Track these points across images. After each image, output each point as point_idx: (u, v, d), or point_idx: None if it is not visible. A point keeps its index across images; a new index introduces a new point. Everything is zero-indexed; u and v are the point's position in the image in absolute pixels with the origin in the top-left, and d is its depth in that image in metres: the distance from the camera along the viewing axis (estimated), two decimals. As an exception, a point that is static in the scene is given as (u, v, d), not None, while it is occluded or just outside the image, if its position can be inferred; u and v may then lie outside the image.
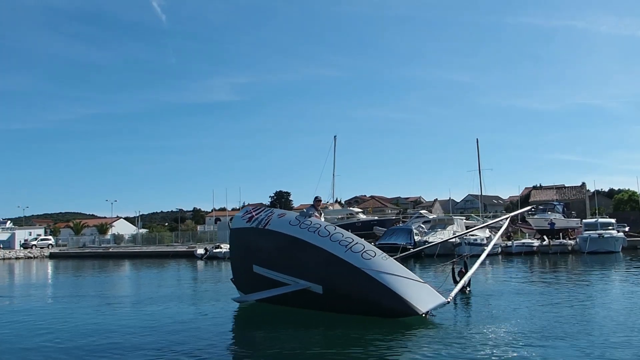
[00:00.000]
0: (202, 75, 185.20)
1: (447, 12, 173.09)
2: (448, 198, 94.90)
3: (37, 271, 43.61)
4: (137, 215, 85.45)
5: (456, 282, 17.67)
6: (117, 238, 74.91)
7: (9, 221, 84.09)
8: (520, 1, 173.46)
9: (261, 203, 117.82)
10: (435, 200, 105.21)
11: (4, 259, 63.24)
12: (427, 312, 12.10)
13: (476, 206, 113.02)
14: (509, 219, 21.72)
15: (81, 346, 11.00)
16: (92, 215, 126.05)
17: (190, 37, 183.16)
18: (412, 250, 28.92)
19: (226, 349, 10.80)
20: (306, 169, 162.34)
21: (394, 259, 13.93)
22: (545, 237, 43.58)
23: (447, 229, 45.04)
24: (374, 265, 12.56)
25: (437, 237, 42.95)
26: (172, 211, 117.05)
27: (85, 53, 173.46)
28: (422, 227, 49.65)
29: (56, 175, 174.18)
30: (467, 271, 18.12)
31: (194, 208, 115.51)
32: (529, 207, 32.05)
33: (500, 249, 42.38)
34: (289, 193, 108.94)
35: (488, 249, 16.89)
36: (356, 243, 13.18)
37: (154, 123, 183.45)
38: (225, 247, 51.94)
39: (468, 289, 17.21)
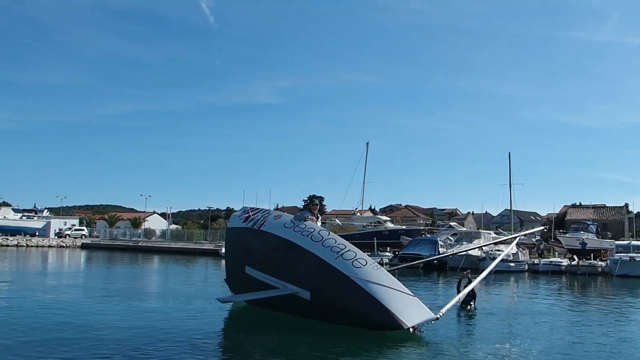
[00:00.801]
0: (244, 77, 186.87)
1: (495, 23, 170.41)
2: (484, 212, 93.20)
3: (63, 260, 44.33)
4: (169, 211, 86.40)
5: (466, 297, 17.14)
6: (148, 232, 75.87)
7: (45, 210, 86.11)
8: (571, 15, 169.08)
9: (295, 206, 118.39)
10: (468, 213, 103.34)
11: (37, 246, 64.72)
12: (415, 327, 11.60)
13: (514, 222, 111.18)
14: (517, 238, 20.97)
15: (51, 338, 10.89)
16: (132, 209, 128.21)
17: (236, 39, 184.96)
18: (419, 261, 28.43)
19: (202, 350, 10.46)
20: (341, 175, 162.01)
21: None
22: (575, 257, 42.09)
23: (474, 242, 43.95)
24: (363, 274, 12.11)
25: (462, 250, 42.03)
26: (208, 209, 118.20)
27: (132, 51, 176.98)
28: (450, 240, 48.74)
29: (98, 168, 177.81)
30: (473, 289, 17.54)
31: (227, 207, 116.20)
32: (540, 228, 31.03)
33: (527, 267, 41.18)
34: (322, 197, 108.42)
35: (491, 267, 16.23)
36: (348, 250, 12.75)
37: (195, 122, 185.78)
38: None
39: (471, 304, 16.56)
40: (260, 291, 13.60)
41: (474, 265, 40.06)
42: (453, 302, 12.96)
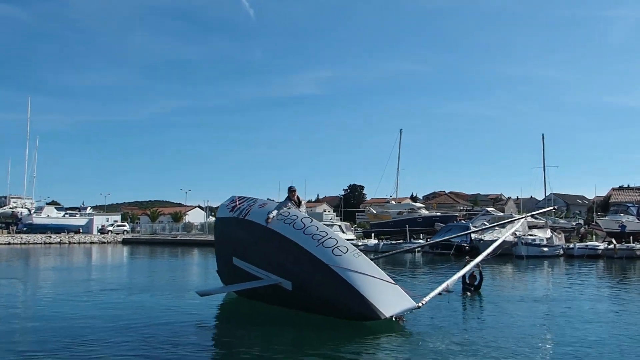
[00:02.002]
0: (286, 70, 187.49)
1: (538, 5, 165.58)
2: (529, 196, 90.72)
3: (97, 255, 45.15)
4: (206, 205, 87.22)
5: (465, 285, 16.47)
6: (187, 226, 76.89)
7: (89, 207, 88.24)
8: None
9: (337, 196, 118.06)
10: (509, 198, 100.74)
11: (79, 243, 66.35)
12: (395, 317, 11.06)
13: (559, 205, 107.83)
14: (524, 219, 20.03)
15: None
16: (179, 204, 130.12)
17: (277, 32, 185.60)
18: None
19: (183, 342, 10.13)
20: (383, 164, 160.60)
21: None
22: (613, 240, 40.41)
23: (507, 227, 42.62)
24: (343, 262, 11.58)
25: (495, 235, 40.85)
26: None
27: (176, 48, 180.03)
28: (486, 225, 47.57)
29: (145, 165, 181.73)
30: (480, 276, 16.86)
31: (267, 199, 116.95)
32: (550, 208, 29.69)
33: (562, 251, 39.79)
34: (362, 186, 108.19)
35: (489, 250, 15.39)
36: (329, 238, 12.21)
37: (238, 116, 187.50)
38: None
39: (469, 291, 15.86)
40: (245, 282, 13.29)
41: (507, 250, 38.95)
42: (437, 290, 12.26)
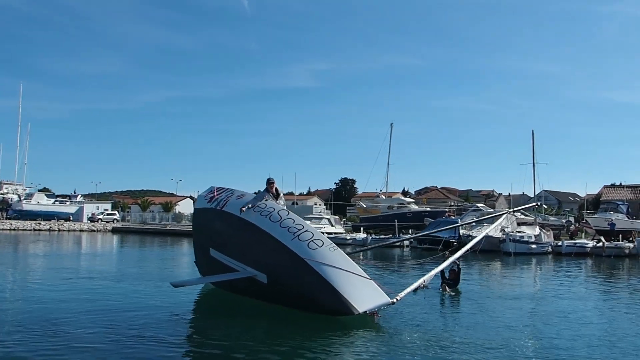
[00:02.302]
0: (281, 61, 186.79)
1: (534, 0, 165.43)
2: (521, 193, 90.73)
3: (83, 243, 44.89)
4: (196, 195, 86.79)
5: (445, 280, 16.36)
6: (177, 216, 76.63)
7: (80, 195, 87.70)
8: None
9: (328, 190, 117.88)
10: (500, 194, 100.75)
11: (68, 230, 65.97)
12: (369, 312, 10.92)
13: (551, 202, 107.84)
14: (506, 215, 19.94)
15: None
16: (171, 193, 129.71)
17: (272, 23, 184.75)
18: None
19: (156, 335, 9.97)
20: (375, 157, 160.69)
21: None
22: (602, 238, 40.44)
23: (495, 223, 42.58)
24: (318, 255, 11.41)
25: (482, 231, 40.81)
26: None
27: (170, 38, 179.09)
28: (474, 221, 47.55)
29: (137, 154, 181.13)
30: (459, 271, 16.76)
31: (258, 191, 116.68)
32: (533, 204, 29.69)
33: (550, 249, 39.79)
34: (354, 180, 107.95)
35: (468, 246, 15.29)
36: (305, 231, 12.04)
37: (232, 107, 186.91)
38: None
39: (448, 290, 15.75)
40: (221, 274, 13.13)
41: (495, 247, 38.95)
42: (413, 286, 12.15)
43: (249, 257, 12.52)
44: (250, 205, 12.76)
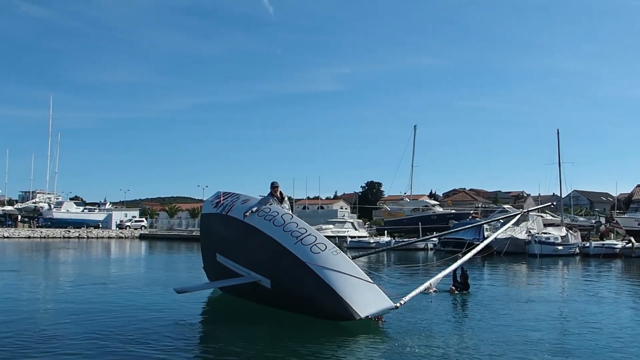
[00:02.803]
0: (306, 65, 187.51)
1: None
2: (551, 193, 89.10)
3: (110, 250, 45.38)
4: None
5: (456, 283, 16.01)
6: (204, 222, 77.09)
7: (108, 203, 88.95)
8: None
9: (355, 192, 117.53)
10: (528, 195, 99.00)
11: (97, 237, 66.95)
12: (373, 317, 10.66)
13: (582, 202, 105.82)
14: (519, 215, 19.49)
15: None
16: (200, 200, 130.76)
17: (296, 28, 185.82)
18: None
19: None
20: (400, 160, 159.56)
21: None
22: (632, 239, 39.35)
23: (520, 225, 41.83)
24: (320, 259, 11.20)
25: (507, 233, 40.13)
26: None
27: (195, 45, 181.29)
28: (501, 222, 46.76)
29: (167, 161, 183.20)
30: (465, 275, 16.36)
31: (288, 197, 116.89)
32: (547, 204, 28.92)
33: (577, 250, 38.88)
34: (380, 183, 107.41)
35: (476, 250, 14.90)
36: (308, 235, 11.84)
37: (257, 112, 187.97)
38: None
39: (456, 292, 15.40)
40: (225, 280, 13.05)
41: (520, 249, 38.24)
42: (418, 290, 11.85)
43: (253, 262, 12.38)
44: (254, 210, 12.62)
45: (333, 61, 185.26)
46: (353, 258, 14.20)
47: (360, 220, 58.17)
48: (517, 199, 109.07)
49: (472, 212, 56.23)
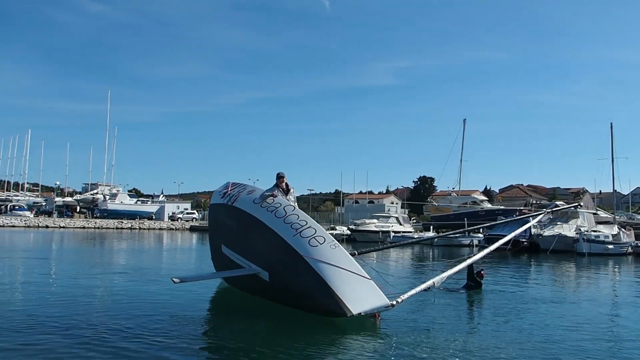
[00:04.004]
0: (362, 59, 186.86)
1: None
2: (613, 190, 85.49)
3: (161, 241, 46.22)
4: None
5: (470, 281, 15.32)
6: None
7: (162, 195, 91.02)
8: None
9: (407, 187, 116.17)
10: (586, 191, 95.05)
11: (148, 229, 68.54)
12: (370, 314, 10.22)
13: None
14: (542, 215, 18.48)
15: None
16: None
17: (352, 22, 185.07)
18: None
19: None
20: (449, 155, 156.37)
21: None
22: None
23: (570, 223, 40.18)
24: (317, 253, 10.79)
25: (555, 230, 38.61)
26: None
27: (252, 40, 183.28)
28: (550, 219, 45.10)
29: (221, 154, 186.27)
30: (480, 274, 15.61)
31: (336, 190, 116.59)
32: (574, 204, 27.36)
33: (630, 249, 36.97)
34: (432, 178, 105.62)
35: (488, 250, 14.20)
36: (308, 227, 11.44)
37: (312, 106, 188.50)
38: (339, 229, 51.39)
39: (461, 290, 14.74)
40: (225, 271, 12.85)
41: (569, 247, 36.73)
42: (419, 288, 11.24)
43: (254, 254, 12.13)
44: (262, 199, 12.36)
45: (389, 55, 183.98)
46: (359, 253, 13.77)
47: (406, 216, 57.26)
48: (577, 195, 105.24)
49: (521, 208, 54.49)
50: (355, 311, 9.97)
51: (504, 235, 37.81)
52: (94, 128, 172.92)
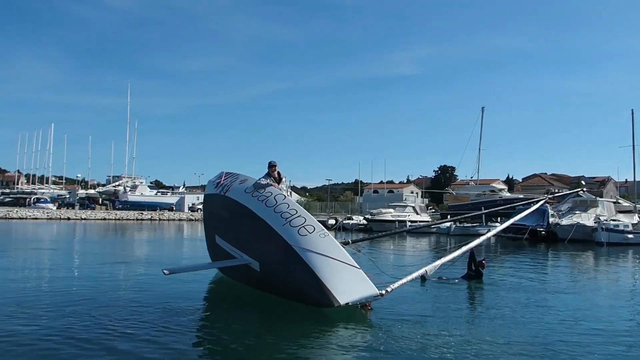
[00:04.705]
0: (384, 49, 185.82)
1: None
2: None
3: (171, 231, 46.47)
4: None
5: (470, 270, 15.00)
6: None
7: (182, 187, 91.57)
8: None
9: (426, 176, 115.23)
10: (609, 180, 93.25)
11: (168, 220, 69.05)
12: (359, 304, 10.01)
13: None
14: (543, 201, 18.10)
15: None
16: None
17: (375, 12, 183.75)
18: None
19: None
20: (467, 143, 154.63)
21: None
22: None
23: (589, 212, 39.35)
24: (306, 242, 10.57)
25: (573, 220, 37.88)
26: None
27: (274, 31, 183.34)
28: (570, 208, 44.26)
29: (243, 146, 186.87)
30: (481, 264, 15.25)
31: (355, 179, 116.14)
32: (575, 190, 26.70)
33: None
34: (453, 168, 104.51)
35: (483, 238, 13.82)
36: (298, 216, 11.22)
37: (335, 97, 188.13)
38: (355, 219, 51.15)
39: (459, 280, 14.40)
40: (216, 262, 12.74)
41: (587, 236, 36.00)
42: (410, 277, 10.97)
43: (245, 244, 11.98)
44: (253, 188, 12.18)
45: (412, 44, 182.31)
46: (353, 242, 13.53)
47: (423, 205, 56.76)
48: (602, 184, 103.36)
49: (541, 197, 53.53)
50: (342, 301, 9.75)
51: (523, 225, 37.49)
52: (116, 122, 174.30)
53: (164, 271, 11.99)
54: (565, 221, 37.96)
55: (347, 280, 10.13)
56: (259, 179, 12.55)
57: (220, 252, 13.19)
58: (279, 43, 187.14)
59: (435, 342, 8.32)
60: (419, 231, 44.99)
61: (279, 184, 12.65)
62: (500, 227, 15.76)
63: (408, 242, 37.03)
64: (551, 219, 38.80)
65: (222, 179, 13.67)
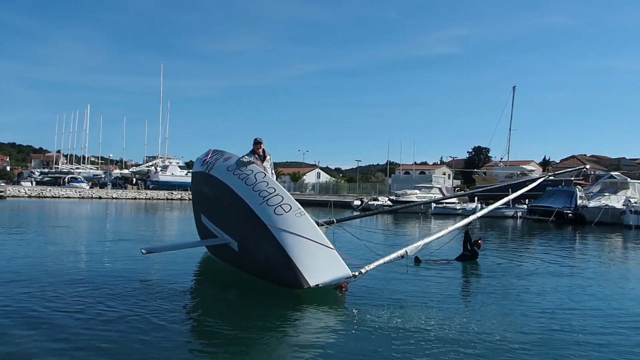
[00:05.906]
0: (420, 29, 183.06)
1: None
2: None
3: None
4: (317, 165, 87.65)
5: (465, 250, 14.43)
6: (300, 186, 77.90)
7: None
8: None
9: (458, 158, 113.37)
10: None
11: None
12: (334, 285, 9.67)
13: None
14: (541, 180, 17.35)
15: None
16: (313, 164, 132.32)
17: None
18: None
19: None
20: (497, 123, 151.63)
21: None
22: None
23: (619, 194, 38.00)
24: (281, 221, 10.23)
25: (602, 202, 36.62)
26: (357, 163, 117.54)
27: (310, 12, 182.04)
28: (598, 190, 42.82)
29: (279, 127, 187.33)
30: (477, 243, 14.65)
31: (388, 161, 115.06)
32: (579, 167, 25.72)
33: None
34: (487, 149, 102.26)
35: (472, 217, 13.22)
36: (275, 195, 10.86)
37: (370, 77, 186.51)
38: (381, 200, 50.59)
39: (452, 261, 13.89)
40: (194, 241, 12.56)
41: (616, 219, 34.78)
42: (387, 258, 10.52)
43: (225, 223, 11.72)
44: (235, 166, 11.88)
45: (448, 23, 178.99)
46: (338, 221, 13.14)
47: (450, 187, 55.76)
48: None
49: (570, 179, 52.01)
50: (312, 282, 9.38)
51: (549, 207, 36.35)
52: (150, 103, 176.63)
53: (142, 250, 11.89)
54: (593, 203, 36.75)
55: (318, 261, 9.76)
56: (242, 156, 12.21)
57: (204, 231, 13.02)
58: (315, 23, 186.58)
59: (406, 326, 7.95)
60: (444, 212, 44.26)
61: (262, 161, 12.31)
62: (487, 208, 15.22)
63: (433, 224, 36.34)
64: (579, 201, 37.59)
65: (209, 156, 13.38)
